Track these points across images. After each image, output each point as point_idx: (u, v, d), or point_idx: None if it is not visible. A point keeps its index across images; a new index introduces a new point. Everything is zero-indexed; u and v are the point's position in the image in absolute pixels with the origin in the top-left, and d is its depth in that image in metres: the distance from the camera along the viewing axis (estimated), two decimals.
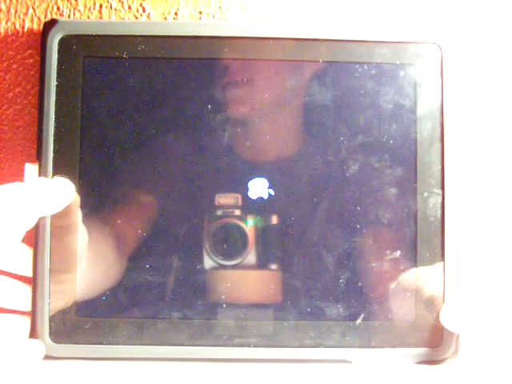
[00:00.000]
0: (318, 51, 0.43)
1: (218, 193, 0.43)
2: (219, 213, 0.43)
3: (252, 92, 0.43)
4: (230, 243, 0.43)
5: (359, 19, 0.47)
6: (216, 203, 0.43)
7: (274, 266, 0.44)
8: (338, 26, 0.44)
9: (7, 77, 0.46)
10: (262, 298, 0.43)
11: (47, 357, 0.42)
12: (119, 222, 0.43)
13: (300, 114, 0.44)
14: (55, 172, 0.42)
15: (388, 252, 0.43)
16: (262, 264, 0.44)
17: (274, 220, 0.43)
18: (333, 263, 0.43)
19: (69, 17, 0.46)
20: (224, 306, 0.43)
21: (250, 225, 0.44)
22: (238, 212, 0.43)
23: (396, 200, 0.43)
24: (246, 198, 0.43)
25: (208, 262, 0.43)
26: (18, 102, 0.46)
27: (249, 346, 0.43)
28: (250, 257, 0.44)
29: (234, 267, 0.43)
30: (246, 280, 0.44)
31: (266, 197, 0.43)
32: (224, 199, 0.43)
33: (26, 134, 0.46)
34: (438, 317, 0.42)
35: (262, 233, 0.44)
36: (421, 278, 0.43)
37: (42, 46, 0.42)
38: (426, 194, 0.43)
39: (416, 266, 0.43)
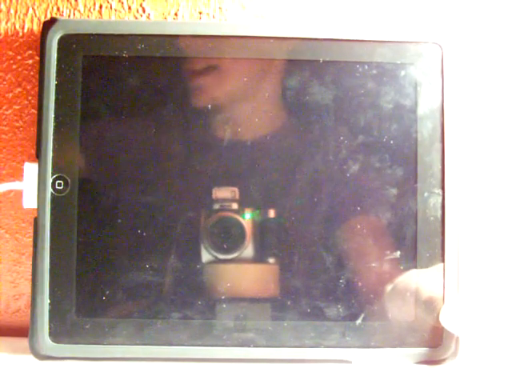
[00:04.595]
0: (318, 51, 0.43)
1: (215, 186, 0.43)
2: (216, 206, 0.43)
3: (252, 91, 0.43)
4: (227, 237, 0.43)
5: (359, 19, 0.47)
6: (213, 197, 0.43)
7: (271, 260, 0.44)
8: (338, 26, 0.43)
9: (7, 77, 0.46)
10: (260, 292, 0.43)
11: (47, 357, 0.42)
12: (119, 221, 0.43)
13: (300, 114, 0.44)
14: (55, 171, 0.42)
15: (388, 252, 0.43)
16: (259, 258, 0.44)
17: (272, 214, 0.43)
18: (332, 262, 0.43)
19: (69, 17, 0.46)
20: (222, 301, 0.43)
21: (247, 218, 0.43)
22: (235, 206, 0.43)
23: (396, 200, 0.43)
24: (243, 191, 0.43)
25: (206, 256, 0.43)
26: (18, 102, 0.46)
27: (248, 346, 0.43)
28: (248, 251, 0.43)
29: (231, 261, 0.43)
30: (244, 274, 0.44)
31: (263, 191, 0.43)
32: (221, 193, 0.43)
33: (25, 133, 0.47)
34: (437, 317, 0.42)
35: (260, 226, 0.43)
36: (421, 278, 0.43)
37: (41, 45, 0.42)
38: (426, 194, 0.43)
39: (416, 267, 0.43)
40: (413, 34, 0.43)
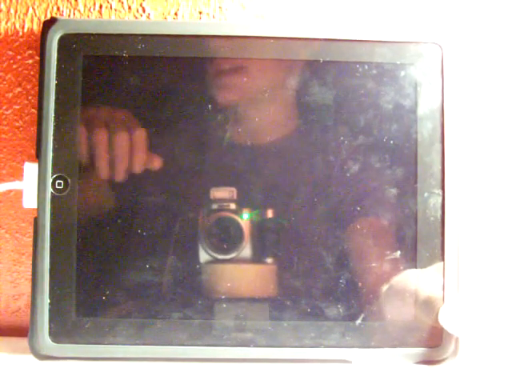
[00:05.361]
0: (318, 51, 0.43)
1: (214, 187, 0.43)
2: (215, 207, 0.43)
3: (251, 91, 0.43)
4: (225, 237, 0.43)
5: (359, 19, 0.47)
6: (211, 197, 0.43)
7: (270, 260, 0.44)
8: (339, 26, 0.44)
9: (7, 77, 0.46)
10: (259, 292, 0.43)
11: (47, 357, 0.42)
12: (119, 221, 0.43)
13: (300, 114, 0.44)
14: (55, 171, 0.42)
15: (388, 252, 0.43)
16: (258, 258, 0.44)
17: (270, 214, 0.43)
18: (331, 262, 0.43)
19: (69, 17, 0.46)
20: (222, 301, 0.43)
21: (245, 218, 0.43)
22: (233, 206, 0.43)
23: (396, 200, 0.43)
24: (241, 191, 0.43)
25: (204, 256, 0.43)
26: (18, 102, 0.46)
27: (248, 346, 0.43)
28: (246, 251, 0.43)
29: (230, 261, 0.43)
30: (243, 274, 0.44)
31: (261, 191, 0.43)
32: (219, 193, 0.43)
33: (25, 133, 0.47)
34: (437, 317, 0.42)
35: (258, 226, 0.43)
36: (421, 278, 0.43)
37: (41, 45, 0.42)
38: (426, 194, 0.43)
39: (416, 267, 0.43)
40: (413, 34, 0.43)
